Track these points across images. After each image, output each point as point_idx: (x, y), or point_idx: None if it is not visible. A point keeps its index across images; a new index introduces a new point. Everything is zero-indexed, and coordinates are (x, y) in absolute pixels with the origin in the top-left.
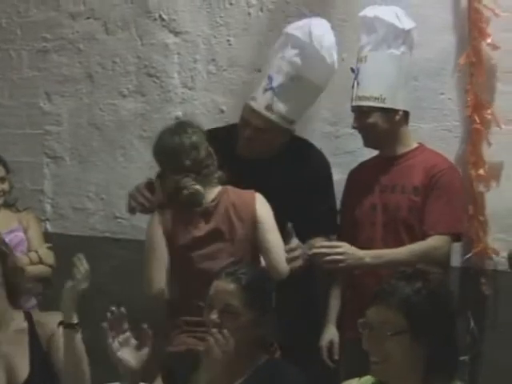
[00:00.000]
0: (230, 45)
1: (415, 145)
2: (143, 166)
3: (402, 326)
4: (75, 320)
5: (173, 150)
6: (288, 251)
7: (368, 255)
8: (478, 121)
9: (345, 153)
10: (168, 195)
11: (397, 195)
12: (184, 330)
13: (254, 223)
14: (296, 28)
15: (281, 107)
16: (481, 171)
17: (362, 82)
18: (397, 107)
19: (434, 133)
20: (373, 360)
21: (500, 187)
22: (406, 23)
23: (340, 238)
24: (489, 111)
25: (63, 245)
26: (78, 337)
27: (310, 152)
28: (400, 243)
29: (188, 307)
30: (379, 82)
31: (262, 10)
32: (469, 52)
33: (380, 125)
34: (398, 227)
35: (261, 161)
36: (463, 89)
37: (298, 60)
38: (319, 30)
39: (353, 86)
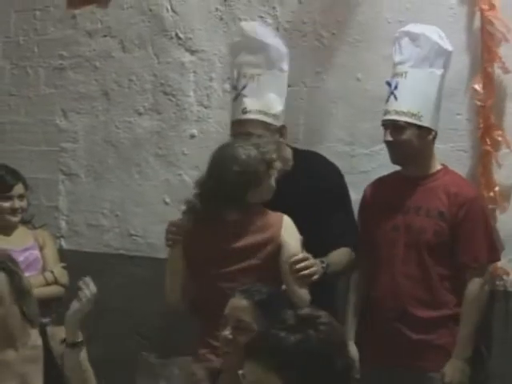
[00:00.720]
0: None
1: (439, 166)
2: (158, 184)
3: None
4: (79, 338)
5: (219, 158)
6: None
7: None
8: (488, 142)
9: (360, 172)
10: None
11: (422, 218)
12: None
13: (278, 246)
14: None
15: (253, 103)
16: (491, 193)
17: (401, 97)
18: (432, 127)
19: (450, 153)
20: None
21: None
22: (448, 44)
23: (358, 255)
24: (499, 132)
25: (77, 261)
26: (83, 354)
27: (319, 162)
28: (422, 265)
29: (212, 325)
30: (418, 99)
31: (278, 29)
32: (480, 74)
33: (414, 142)
34: (421, 249)
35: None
36: (476, 110)
37: (252, 58)
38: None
39: (387, 100)
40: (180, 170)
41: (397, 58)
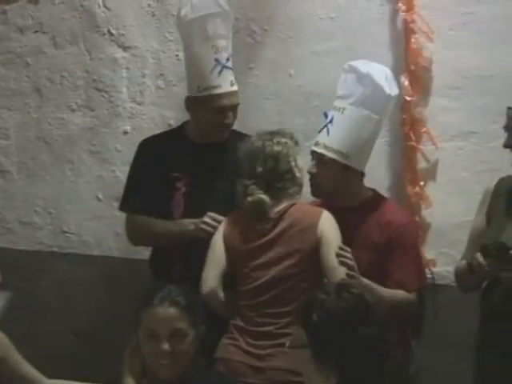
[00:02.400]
0: (178, 60)
1: (370, 193)
2: (91, 181)
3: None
4: None
5: (250, 153)
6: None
7: (381, 289)
8: (413, 138)
9: None
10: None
11: (355, 251)
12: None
13: (316, 241)
14: None
15: (232, 74)
16: (416, 188)
17: (333, 133)
18: (357, 167)
19: (381, 147)
20: None
21: (445, 203)
22: (393, 89)
23: None
24: (423, 128)
25: (10, 260)
26: None
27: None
28: None
29: (240, 313)
30: (350, 139)
31: None
32: (406, 71)
33: (336, 178)
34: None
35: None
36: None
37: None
38: None
39: (320, 131)
40: (113, 166)
41: (339, 92)
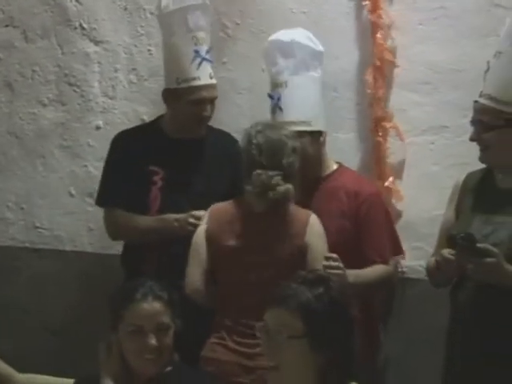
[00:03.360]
0: (150, 54)
1: (335, 165)
2: (63, 176)
3: (299, 330)
4: None
5: (278, 144)
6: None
7: (350, 274)
8: (380, 133)
9: None
10: (255, 192)
11: (323, 219)
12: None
13: (302, 249)
14: None
15: (211, 66)
16: (386, 183)
17: (286, 107)
18: (322, 128)
19: (351, 142)
20: (270, 365)
21: (417, 197)
22: (319, 45)
23: None
24: (390, 123)
25: None
26: None
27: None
28: None
29: (224, 311)
30: (304, 106)
31: None
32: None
33: (308, 150)
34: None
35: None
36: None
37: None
38: None
39: (273, 112)
40: (85, 161)
41: (273, 69)
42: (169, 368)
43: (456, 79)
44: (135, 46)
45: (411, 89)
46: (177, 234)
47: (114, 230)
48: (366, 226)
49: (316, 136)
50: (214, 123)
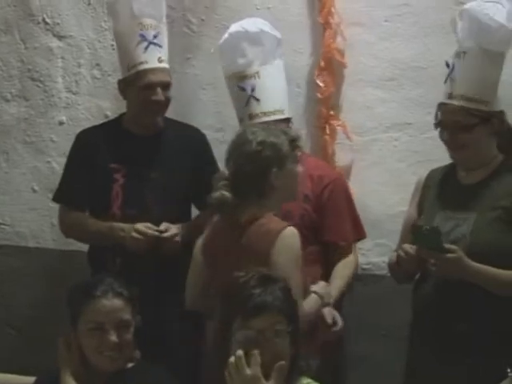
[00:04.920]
0: (114, 49)
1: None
2: (26, 172)
3: (285, 326)
4: None
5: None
6: None
7: (330, 296)
8: (327, 132)
9: None
10: None
11: (287, 204)
12: None
13: (268, 265)
14: None
15: (161, 51)
16: None
17: (262, 98)
18: (291, 115)
19: (314, 139)
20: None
21: (381, 193)
22: (277, 32)
23: None
24: (337, 122)
25: None
26: None
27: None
28: None
29: None
30: (278, 94)
31: None
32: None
33: None
34: None
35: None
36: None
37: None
38: None
39: (248, 104)
40: (49, 157)
41: (241, 61)
42: (130, 364)
43: (420, 76)
44: (99, 41)
45: (376, 85)
46: (123, 243)
47: (64, 228)
48: (329, 209)
49: (286, 123)
50: (179, 119)
